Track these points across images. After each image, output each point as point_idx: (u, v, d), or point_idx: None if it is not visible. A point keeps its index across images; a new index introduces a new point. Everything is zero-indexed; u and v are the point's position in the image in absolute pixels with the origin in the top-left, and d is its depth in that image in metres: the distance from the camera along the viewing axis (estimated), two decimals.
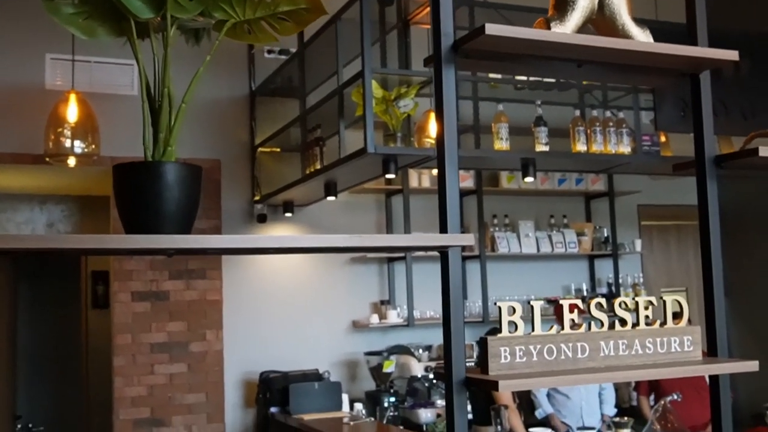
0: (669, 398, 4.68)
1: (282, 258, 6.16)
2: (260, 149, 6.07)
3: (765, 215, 7.16)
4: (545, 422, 5.23)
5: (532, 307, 1.80)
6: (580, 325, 1.82)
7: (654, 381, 5.61)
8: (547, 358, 1.77)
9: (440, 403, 5.39)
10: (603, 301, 1.89)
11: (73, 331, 7.40)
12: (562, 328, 1.81)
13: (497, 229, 6.60)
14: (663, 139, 5.39)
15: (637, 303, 1.88)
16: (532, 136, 4.83)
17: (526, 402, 5.76)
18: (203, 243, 1.42)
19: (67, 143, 4.92)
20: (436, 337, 5.37)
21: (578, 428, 4.95)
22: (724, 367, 1.83)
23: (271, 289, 6.12)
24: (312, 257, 6.22)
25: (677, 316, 1.91)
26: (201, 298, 5.93)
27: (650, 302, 1.89)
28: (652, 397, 5.59)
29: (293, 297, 6.16)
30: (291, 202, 6.00)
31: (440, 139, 1.67)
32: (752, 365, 1.83)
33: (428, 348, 6.19)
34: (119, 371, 5.70)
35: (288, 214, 6.04)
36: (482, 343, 1.75)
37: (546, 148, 4.82)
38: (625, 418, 4.75)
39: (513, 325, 1.75)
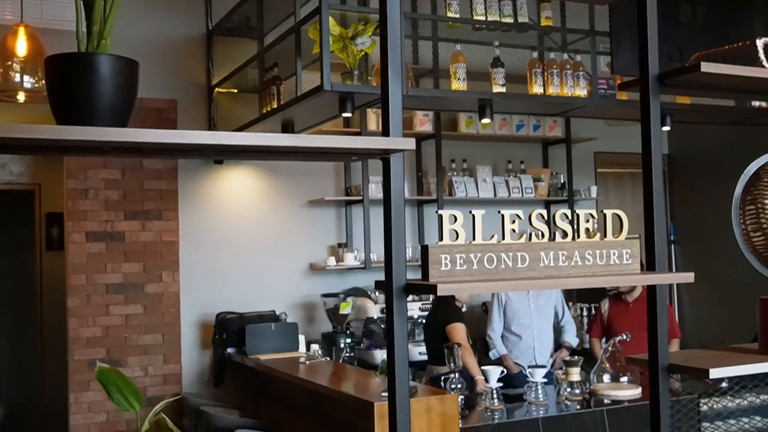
0: (618, 338, 4.78)
1: (240, 200, 6.13)
2: (217, 90, 6.00)
3: (716, 165, 7.28)
4: (499, 363, 5.31)
5: (473, 216, 1.82)
6: (521, 235, 1.84)
7: (606, 324, 5.72)
8: (488, 266, 1.79)
9: None
10: (544, 212, 1.91)
11: (28, 273, 7.31)
12: (503, 238, 1.82)
13: (455, 173, 6.62)
14: (619, 83, 5.43)
15: (577, 215, 1.90)
16: (490, 80, 4.82)
17: (480, 344, 5.85)
18: (139, 137, 1.39)
19: (17, 78, 4.79)
20: None
21: (529, 366, 5.04)
22: (660, 278, 1.86)
23: (229, 230, 6.09)
24: (269, 199, 6.20)
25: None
26: (157, 239, 5.88)
27: (590, 215, 1.92)
28: (603, 340, 5.70)
29: (250, 239, 6.15)
30: None
31: (383, 40, 1.66)
32: (688, 276, 1.87)
33: None
34: (73, 312, 5.65)
35: None
36: (424, 250, 1.76)
37: (503, 90, 4.83)
38: (576, 357, 4.86)
39: (454, 233, 1.77)
